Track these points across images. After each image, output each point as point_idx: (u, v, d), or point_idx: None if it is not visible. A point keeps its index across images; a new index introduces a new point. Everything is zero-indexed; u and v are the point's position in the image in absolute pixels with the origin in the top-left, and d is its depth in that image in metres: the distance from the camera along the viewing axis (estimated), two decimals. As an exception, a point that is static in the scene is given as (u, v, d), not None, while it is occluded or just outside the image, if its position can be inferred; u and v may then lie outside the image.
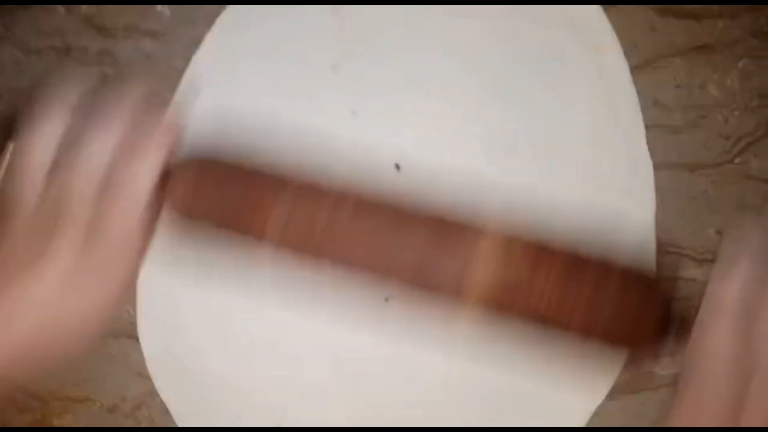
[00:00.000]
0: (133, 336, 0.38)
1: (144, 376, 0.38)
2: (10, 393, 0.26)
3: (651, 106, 0.40)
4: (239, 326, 0.38)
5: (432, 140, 0.39)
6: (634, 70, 0.40)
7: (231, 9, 0.39)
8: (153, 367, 0.38)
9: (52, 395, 0.38)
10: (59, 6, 0.39)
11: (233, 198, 0.25)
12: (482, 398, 0.38)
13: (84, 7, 0.39)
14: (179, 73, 0.39)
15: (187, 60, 0.39)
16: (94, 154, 0.24)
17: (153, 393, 0.38)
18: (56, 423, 0.38)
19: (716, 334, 0.23)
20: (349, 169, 0.37)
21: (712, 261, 0.39)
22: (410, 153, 0.38)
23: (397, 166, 0.38)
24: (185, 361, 0.38)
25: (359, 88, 0.39)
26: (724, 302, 0.24)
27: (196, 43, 0.39)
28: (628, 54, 0.40)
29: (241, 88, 0.39)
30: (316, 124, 0.38)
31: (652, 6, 0.39)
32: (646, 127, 0.39)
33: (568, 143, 0.39)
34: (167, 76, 0.39)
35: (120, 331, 0.38)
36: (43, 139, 0.24)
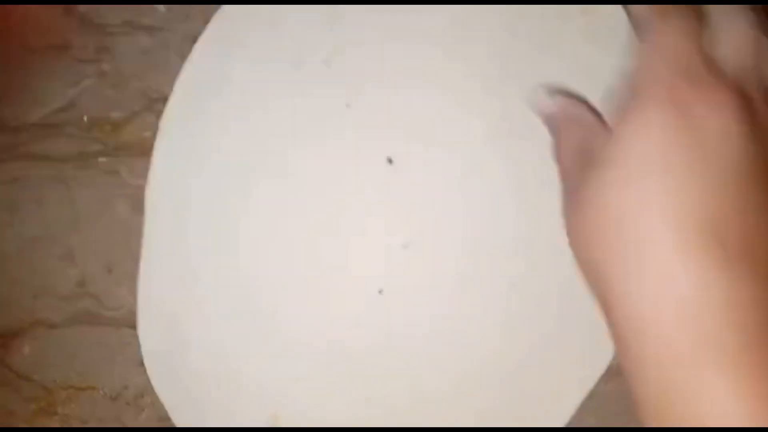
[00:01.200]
0: (133, 326, 0.39)
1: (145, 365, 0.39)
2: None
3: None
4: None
5: (427, 134, 0.39)
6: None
7: (224, 8, 0.39)
8: (149, 361, 0.38)
9: (56, 384, 0.39)
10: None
11: None
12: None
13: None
14: (176, 67, 0.39)
15: (183, 55, 0.39)
16: None
17: (154, 381, 0.39)
18: (61, 411, 0.39)
19: None
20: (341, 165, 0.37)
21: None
22: (404, 148, 0.38)
23: (390, 160, 0.38)
24: (182, 357, 0.38)
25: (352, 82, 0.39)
26: None
27: (192, 37, 0.39)
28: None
29: (234, 88, 0.39)
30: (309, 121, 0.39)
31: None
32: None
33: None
34: (164, 71, 0.39)
35: (121, 320, 0.39)
36: None
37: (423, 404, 0.39)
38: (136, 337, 0.39)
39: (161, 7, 0.40)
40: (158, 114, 0.39)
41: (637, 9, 0.30)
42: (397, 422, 0.39)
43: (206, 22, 0.40)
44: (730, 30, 0.28)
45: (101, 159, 0.40)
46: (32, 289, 0.39)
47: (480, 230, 0.38)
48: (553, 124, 0.34)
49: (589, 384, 0.38)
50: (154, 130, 0.39)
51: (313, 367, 0.38)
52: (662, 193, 0.25)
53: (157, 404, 0.39)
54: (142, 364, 0.39)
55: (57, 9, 0.40)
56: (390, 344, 0.39)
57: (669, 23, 0.28)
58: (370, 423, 0.38)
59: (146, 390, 0.39)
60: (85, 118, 0.40)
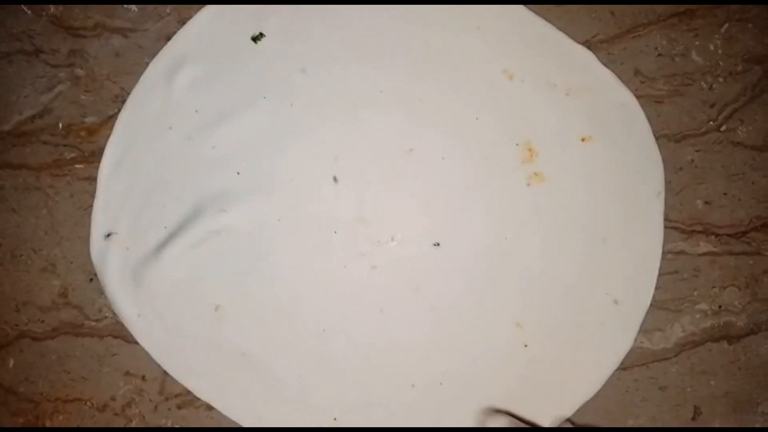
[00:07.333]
0: (118, 335, 0.38)
1: (131, 374, 0.38)
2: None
3: (632, 76, 0.39)
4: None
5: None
6: (612, 40, 0.39)
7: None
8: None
9: (43, 397, 0.38)
10: (25, 7, 0.39)
11: None
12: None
13: (51, 7, 0.39)
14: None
15: (155, 55, 0.38)
16: None
17: (141, 390, 0.38)
18: (48, 424, 0.38)
19: None
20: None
21: (701, 233, 0.39)
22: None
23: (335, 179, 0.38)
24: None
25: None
26: None
27: (166, 36, 0.38)
28: (605, 23, 0.39)
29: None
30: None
31: (627, -27, 0.38)
32: (627, 99, 0.39)
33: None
34: (138, 73, 0.38)
35: (104, 330, 0.38)
36: None
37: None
38: (120, 346, 0.38)
39: (133, 8, 0.39)
40: (135, 117, 0.38)
41: None
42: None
43: (180, 21, 0.39)
44: None
45: (78, 166, 0.39)
46: (14, 301, 0.38)
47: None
48: None
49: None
50: (131, 134, 0.38)
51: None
52: None
53: (144, 414, 0.38)
54: (128, 373, 0.38)
55: (26, 13, 0.39)
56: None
57: None
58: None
59: (133, 400, 0.38)
60: (60, 125, 0.39)
